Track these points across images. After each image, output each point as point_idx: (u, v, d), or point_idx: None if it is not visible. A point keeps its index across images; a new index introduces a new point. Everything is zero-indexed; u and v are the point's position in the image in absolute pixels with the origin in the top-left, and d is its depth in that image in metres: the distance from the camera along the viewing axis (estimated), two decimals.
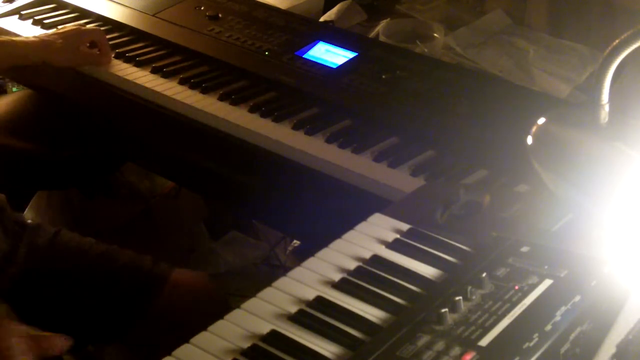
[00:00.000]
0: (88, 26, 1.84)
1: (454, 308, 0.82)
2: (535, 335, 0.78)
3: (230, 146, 1.53)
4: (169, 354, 0.80)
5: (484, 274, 0.87)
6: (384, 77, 1.61)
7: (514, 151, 1.23)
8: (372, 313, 0.86)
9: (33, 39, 1.72)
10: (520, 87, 1.65)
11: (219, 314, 0.87)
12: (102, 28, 1.88)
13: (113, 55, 1.75)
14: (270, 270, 2.29)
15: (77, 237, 1.49)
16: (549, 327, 0.79)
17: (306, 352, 0.80)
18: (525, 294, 0.84)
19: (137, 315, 1.41)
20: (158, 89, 1.63)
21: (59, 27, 1.80)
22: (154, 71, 1.69)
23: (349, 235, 1.00)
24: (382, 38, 1.85)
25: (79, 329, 1.20)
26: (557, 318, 0.80)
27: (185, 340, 0.82)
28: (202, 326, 0.84)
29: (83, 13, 1.95)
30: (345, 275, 0.92)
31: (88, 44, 1.75)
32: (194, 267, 2.10)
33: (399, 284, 0.90)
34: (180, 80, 1.66)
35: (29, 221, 1.54)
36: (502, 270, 0.89)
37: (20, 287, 1.37)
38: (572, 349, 0.77)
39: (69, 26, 1.78)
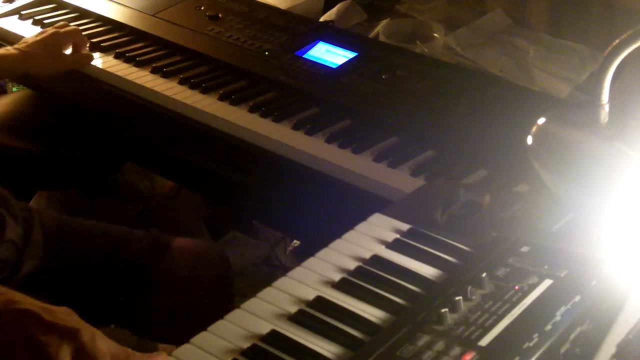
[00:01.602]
0: (70, 25, 1.81)
1: (454, 308, 0.82)
2: (535, 335, 0.78)
3: (230, 146, 1.53)
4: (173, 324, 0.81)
5: (484, 274, 0.87)
6: (384, 77, 1.61)
7: (514, 151, 1.23)
8: (372, 313, 0.86)
9: (14, 51, 1.68)
10: (520, 87, 1.65)
11: (223, 275, 0.83)
12: (102, 28, 1.88)
13: (112, 56, 1.75)
14: (270, 270, 2.29)
15: (80, 220, 1.52)
16: (549, 327, 0.79)
17: (306, 352, 0.80)
18: (525, 294, 0.84)
19: (142, 283, 1.43)
20: (158, 89, 1.63)
21: (38, 32, 1.75)
22: (154, 71, 1.69)
23: (349, 235, 1.00)
24: (382, 38, 1.85)
25: (88, 306, 1.18)
26: (557, 318, 0.80)
27: (189, 306, 0.82)
28: (205, 290, 0.84)
29: (83, 13, 1.95)
30: (345, 275, 0.92)
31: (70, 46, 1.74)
32: None
33: (399, 284, 0.90)
34: (180, 80, 1.66)
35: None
36: (502, 270, 0.89)
37: (38, 275, 1.38)
38: (572, 349, 0.77)
39: (49, 30, 1.74)
